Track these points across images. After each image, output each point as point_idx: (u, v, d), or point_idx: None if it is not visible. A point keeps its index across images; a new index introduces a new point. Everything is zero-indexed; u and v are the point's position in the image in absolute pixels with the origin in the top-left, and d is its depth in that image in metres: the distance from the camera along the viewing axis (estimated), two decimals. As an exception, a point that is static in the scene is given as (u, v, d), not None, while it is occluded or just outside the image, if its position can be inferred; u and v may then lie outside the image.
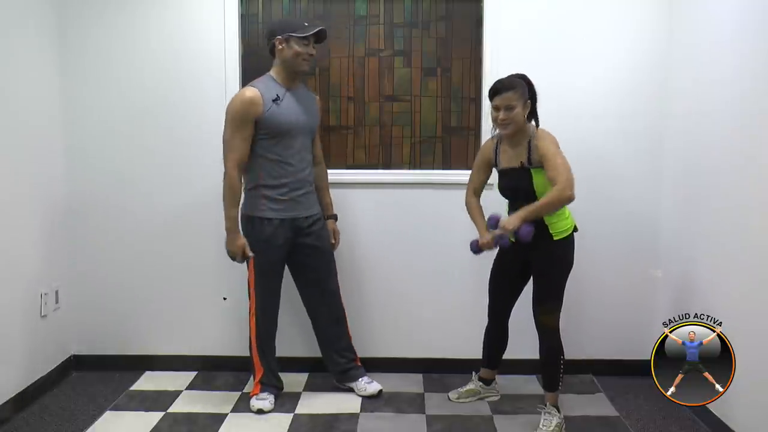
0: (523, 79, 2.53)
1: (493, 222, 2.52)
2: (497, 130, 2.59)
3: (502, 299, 2.76)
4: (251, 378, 2.91)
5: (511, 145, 2.57)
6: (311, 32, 2.64)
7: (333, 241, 2.95)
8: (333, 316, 2.94)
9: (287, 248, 2.78)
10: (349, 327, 3.00)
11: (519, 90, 2.47)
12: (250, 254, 2.70)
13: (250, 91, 2.64)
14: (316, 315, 2.96)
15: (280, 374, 2.95)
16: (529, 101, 2.51)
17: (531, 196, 2.49)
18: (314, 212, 2.83)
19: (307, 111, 2.76)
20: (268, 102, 2.65)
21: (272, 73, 2.74)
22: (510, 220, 2.44)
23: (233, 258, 2.71)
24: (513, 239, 2.50)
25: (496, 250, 2.65)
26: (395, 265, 3.17)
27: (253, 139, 2.67)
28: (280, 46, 2.67)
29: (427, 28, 3.12)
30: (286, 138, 2.68)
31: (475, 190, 2.73)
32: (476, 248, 2.61)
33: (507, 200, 2.65)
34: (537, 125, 2.57)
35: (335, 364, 2.97)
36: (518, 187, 2.55)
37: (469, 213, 2.72)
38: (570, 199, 2.40)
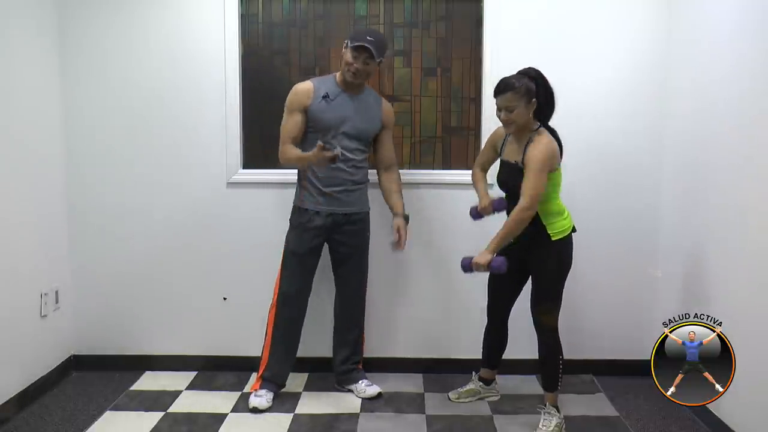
0: (532, 76, 2.49)
1: (467, 264, 2.51)
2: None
3: (501, 299, 2.76)
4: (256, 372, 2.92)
5: (516, 139, 2.58)
6: (353, 45, 2.67)
7: (397, 238, 2.89)
8: (352, 316, 2.97)
9: (320, 241, 2.82)
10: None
11: (520, 90, 2.45)
12: (323, 145, 2.55)
13: (304, 83, 2.79)
14: (337, 311, 2.99)
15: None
16: (534, 100, 2.48)
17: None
18: (354, 210, 2.84)
19: (362, 115, 2.78)
20: (318, 97, 2.74)
21: (337, 73, 2.81)
22: (481, 255, 2.46)
23: (331, 161, 2.56)
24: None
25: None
26: (395, 265, 3.16)
27: (305, 132, 2.76)
28: (342, 51, 2.75)
29: (427, 28, 3.12)
30: (328, 136, 2.71)
31: (482, 166, 2.79)
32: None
33: (504, 193, 2.65)
34: (545, 125, 2.54)
35: (337, 365, 2.99)
36: (512, 184, 2.54)
37: (473, 182, 2.79)
38: (526, 221, 2.44)
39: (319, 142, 2.54)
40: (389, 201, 2.95)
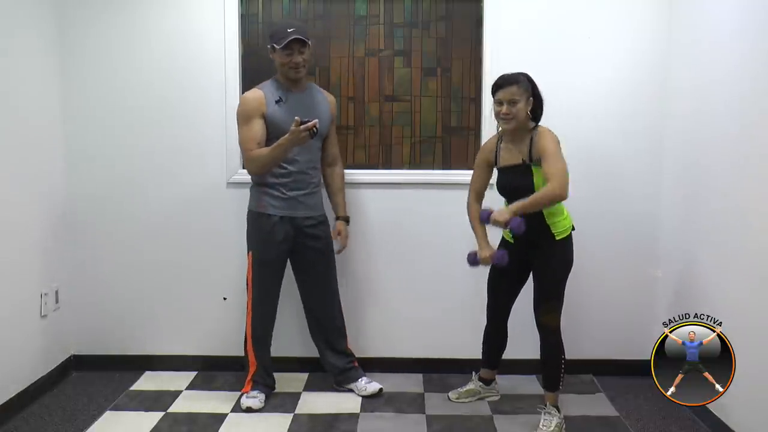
0: (526, 77, 2.54)
1: (485, 215, 2.47)
2: (499, 127, 2.59)
3: (501, 299, 2.76)
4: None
5: (512, 142, 2.57)
6: (284, 43, 2.63)
7: (336, 242, 2.93)
8: (330, 318, 2.95)
9: (287, 246, 2.80)
10: (347, 329, 3.01)
11: (522, 85, 2.48)
12: (305, 121, 2.50)
13: (253, 92, 2.74)
14: (313, 316, 2.97)
15: (279, 374, 2.96)
16: (531, 98, 2.52)
17: (531, 194, 2.49)
18: (316, 214, 2.84)
19: (314, 113, 2.74)
20: (271, 103, 2.71)
21: (278, 75, 2.78)
22: (501, 212, 2.41)
23: (311, 135, 2.51)
24: (509, 232, 2.45)
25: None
26: (395, 265, 3.16)
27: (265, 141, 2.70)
28: (271, 56, 2.74)
29: (427, 28, 3.12)
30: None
31: (477, 193, 2.71)
32: (474, 261, 2.61)
33: (505, 199, 2.63)
34: (537, 124, 2.57)
35: (333, 366, 2.98)
36: (518, 185, 2.53)
37: (469, 220, 2.70)
38: (561, 198, 2.41)
39: (297, 118, 2.49)
40: (333, 200, 2.95)
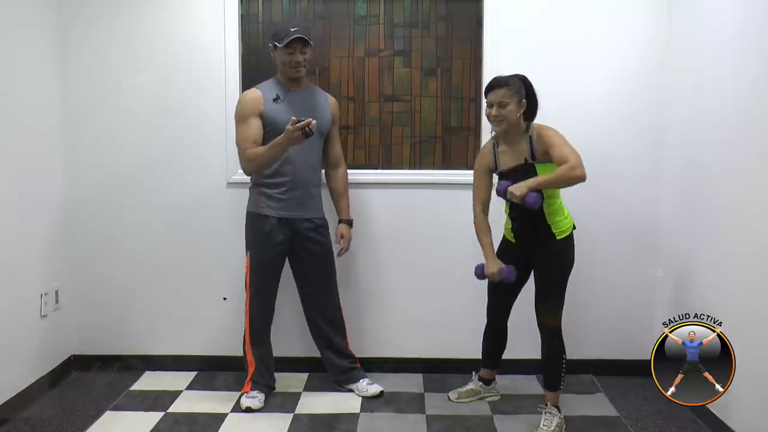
0: (522, 80, 2.53)
1: (503, 188, 2.45)
2: (491, 129, 2.59)
3: (502, 299, 2.75)
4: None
5: (509, 145, 2.57)
6: (285, 42, 2.64)
7: (338, 245, 2.93)
8: (329, 321, 2.94)
9: (285, 247, 2.80)
10: (348, 329, 3.00)
11: (513, 88, 2.47)
12: (300, 120, 2.47)
13: (251, 91, 2.77)
14: (312, 318, 2.96)
15: (279, 374, 2.96)
16: (524, 100, 2.50)
17: None
18: (315, 216, 2.83)
19: (313, 112, 2.73)
20: (269, 101, 2.71)
21: (278, 75, 2.79)
22: (518, 187, 2.39)
23: (306, 134, 2.47)
24: (515, 202, 2.43)
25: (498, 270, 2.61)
26: (395, 265, 3.16)
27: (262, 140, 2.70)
28: (272, 54, 2.74)
29: (427, 28, 3.12)
30: None
31: (483, 203, 2.66)
32: (481, 275, 2.61)
33: (506, 202, 2.61)
34: (530, 124, 2.55)
35: (334, 367, 2.98)
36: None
37: (476, 232, 2.66)
38: (581, 178, 2.37)
39: (293, 118, 2.47)
40: (336, 203, 2.95)
